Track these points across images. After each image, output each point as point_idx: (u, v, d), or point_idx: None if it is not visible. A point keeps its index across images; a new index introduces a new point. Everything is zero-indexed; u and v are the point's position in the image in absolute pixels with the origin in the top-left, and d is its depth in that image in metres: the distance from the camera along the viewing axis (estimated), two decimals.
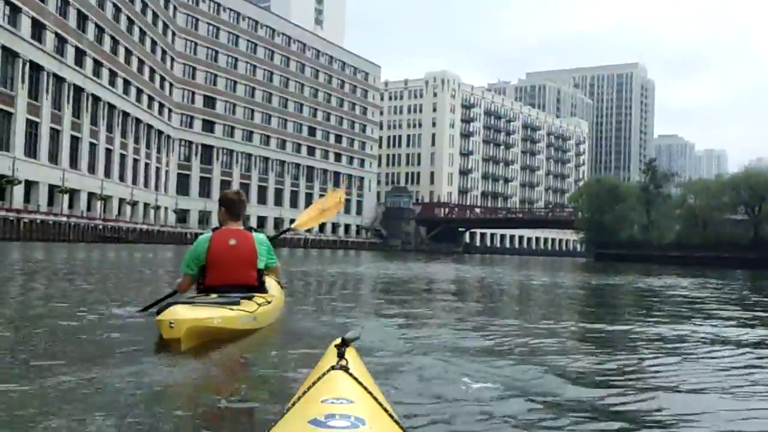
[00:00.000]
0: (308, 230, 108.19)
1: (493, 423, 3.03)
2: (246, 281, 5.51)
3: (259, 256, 5.61)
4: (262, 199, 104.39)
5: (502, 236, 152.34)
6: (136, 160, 79.56)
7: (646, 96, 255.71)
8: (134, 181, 78.65)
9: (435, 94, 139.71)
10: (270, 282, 5.98)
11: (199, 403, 3.30)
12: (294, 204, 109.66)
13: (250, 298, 5.26)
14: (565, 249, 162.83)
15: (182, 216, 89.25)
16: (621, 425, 3.20)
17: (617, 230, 78.38)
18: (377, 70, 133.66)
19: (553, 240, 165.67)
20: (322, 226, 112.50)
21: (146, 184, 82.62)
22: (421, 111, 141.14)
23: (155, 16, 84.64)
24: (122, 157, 75.82)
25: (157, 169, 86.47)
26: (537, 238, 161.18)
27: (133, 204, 76.52)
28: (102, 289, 10.03)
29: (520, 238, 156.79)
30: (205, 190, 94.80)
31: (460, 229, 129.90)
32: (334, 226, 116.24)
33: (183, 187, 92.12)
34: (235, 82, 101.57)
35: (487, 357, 4.67)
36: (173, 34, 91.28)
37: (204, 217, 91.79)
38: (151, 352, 4.35)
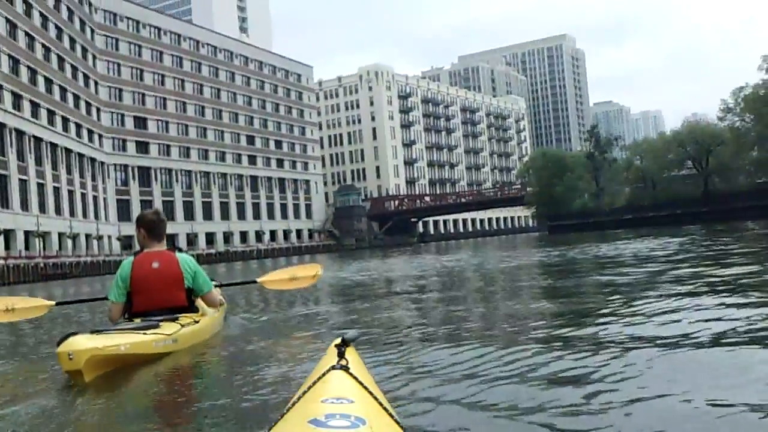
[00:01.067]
0: (259, 240, 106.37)
1: (493, 423, 2.97)
2: (173, 303, 5.47)
3: (185, 275, 5.53)
4: (207, 215, 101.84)
5: (455, 221, 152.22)
6: (71, 192, 76.54)
7: (577, 66, 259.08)
8: (72, 213, 75.72)
9: (370, 88, 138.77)
10: (214, 296, 5.91)
11: (199, 402, 3.35)
12: (242, 216, 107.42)
13: (174, 320, 5.22)
14: (518, 226, 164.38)
15: (127, 243, 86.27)
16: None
17: (568, 201, 78.41)
18: (309, 71, 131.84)
19: (504, 219, 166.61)
20: (273, 234, 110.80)
21: (85, 215, 79.65)
22: (358, 107, 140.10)
23: (72, 40, 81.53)
24: (56, 189, 72.85)
25: (95, 198, 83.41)
26: (489, 219, 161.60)
27: (74, 237, 73.64)
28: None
29: (473, 220, 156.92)
30: None
31: (412, 220, 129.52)
32: (286, 233, 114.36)
33: (124, 213, 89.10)
34: (165, 99, 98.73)
35: (487, 357, 4.40)
36: (93, 57, 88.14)
37: None
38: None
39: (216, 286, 6.65)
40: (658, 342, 4.32)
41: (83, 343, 4.25)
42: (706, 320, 5.04)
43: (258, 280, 7.47)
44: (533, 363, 4.08)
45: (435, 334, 5.80)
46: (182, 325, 5.19)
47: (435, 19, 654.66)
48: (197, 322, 5.50)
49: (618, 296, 7.57)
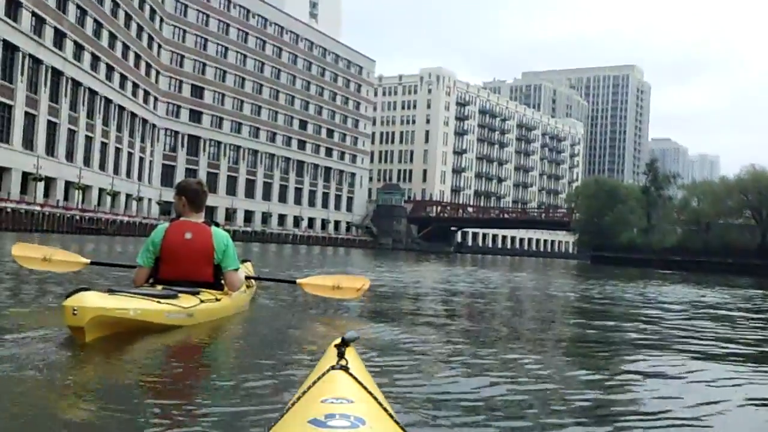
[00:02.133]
0: (296, 225, 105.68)
1: (493, 423, 3.01)
2: (199, 277, 5.38)
3: (216, 251, 5.41)
4: (249, 193, 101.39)
5: (495, 236, 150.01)
6: (118, 149, 76.49)
7: (641, 99, 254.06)
8: (116, 171, 75.62)
9: (429, 91, 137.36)
10: (235, 277, 5.65)
11: (199, 403, 3.32)
12: (283, 199, 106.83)
13: (195, 294, 5.07)
14: (558, 251, 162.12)
15: (166, 208, 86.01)
16: None
17: (615, 233, 75.63)
18: (372, 65, 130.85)
19: (545, 241, 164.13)
20: (311, 222, 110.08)
21: (129, 174, 79.58)
22: (415, 107, 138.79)
23: (142, 0, 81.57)
24: (103, 145, 72.77)
25: (141, 159, 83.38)
26: (529, 239, 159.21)
27: (114, 195, 73.51)
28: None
29: (513, 238, 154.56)
30: None
31: (452, 228, 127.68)
32: (324, 223, 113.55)
33: (168, 179, 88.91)
34: (225, 72, 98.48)
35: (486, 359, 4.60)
36: (161, 20, 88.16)
37: None
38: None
39: (248, 278, 6.58)
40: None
41: (92, 300, 4.10)
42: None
43: (298, 281, 7.08)
44: (531, 367, 4.29)
45: (436, 336, 5.89)
46: (202, 301, 5.05)
47: (500, 33, 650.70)
48: (218, 300, 5.35)
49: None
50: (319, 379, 1.79)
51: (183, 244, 5.31)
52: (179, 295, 4.88)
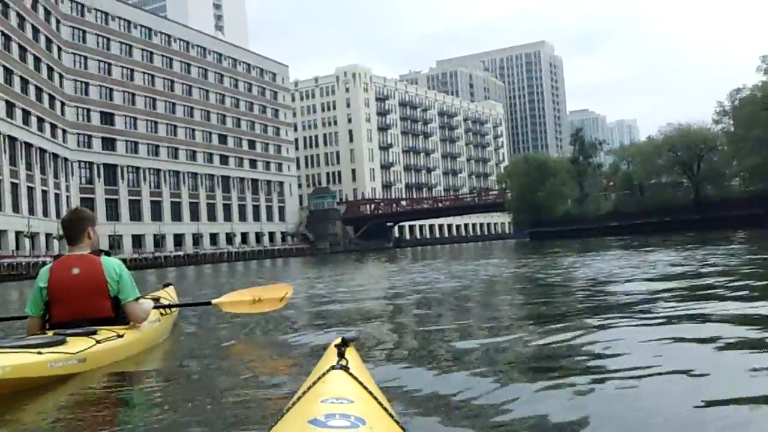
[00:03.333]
0: (229, 242, 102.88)
1: (493, 423, 2.98)
2: (96, 314, 4.97)
3: (109, 283, 5.00)
4: (176, 216, 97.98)
5: (431, 227, 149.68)
6: (30, 188, 72.54)
7: (555, 73, 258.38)
8: (31, 212, 71.77)
9: (347, 90, 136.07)
10: (137, 308, 5.19)
11: (199, 402, 3.28)
12: (212, 217, 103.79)
13: (90, 334, 4.65)
14: (494, 232, 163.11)
15: None
16: None
17: (550, 207, 75.56)
18: (285, 70, 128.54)
19: (481, 225, 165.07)
20: (245, 237, 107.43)
21: (45, 213, 75.67)
22: (335, 108, 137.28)
23: (35, 30, 77.58)
24: (14, 186, 68.89)
25: (57, 196, 79.34)
26: (465, 225, 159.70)
27: (33, 236, 69.79)
28: None
29: (449, 226, 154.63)
30: (112, 213, 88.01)
31: (388, 224, 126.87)
32: (258, 236, 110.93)
33: None
34: (134, 95, 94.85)
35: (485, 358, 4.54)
36: (59, 48, 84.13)
37: (115, 242, 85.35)
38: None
39: (156, 307, 6.02)
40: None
41: None
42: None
43: (213, 301, 6.63)
44: (533, 362, 4.24)
45: (434, 336, 5.87)
46: (98, 341, 4.62)
47: (411, 26, 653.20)
48: (121, 336, 4.90)
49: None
50: (319, 379, 1.78)
51: (71, 280, 4.91)
52: (68, 339, 4.41)
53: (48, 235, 74.29)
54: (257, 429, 2.82)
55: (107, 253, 5.20)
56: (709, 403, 3.04)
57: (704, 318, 5.65)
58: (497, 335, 5.58)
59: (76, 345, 4.43)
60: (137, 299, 5.20)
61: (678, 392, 3.31)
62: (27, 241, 68.56)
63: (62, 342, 4.37)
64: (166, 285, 8.10)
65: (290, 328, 5.93)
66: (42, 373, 4.10)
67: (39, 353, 4.13)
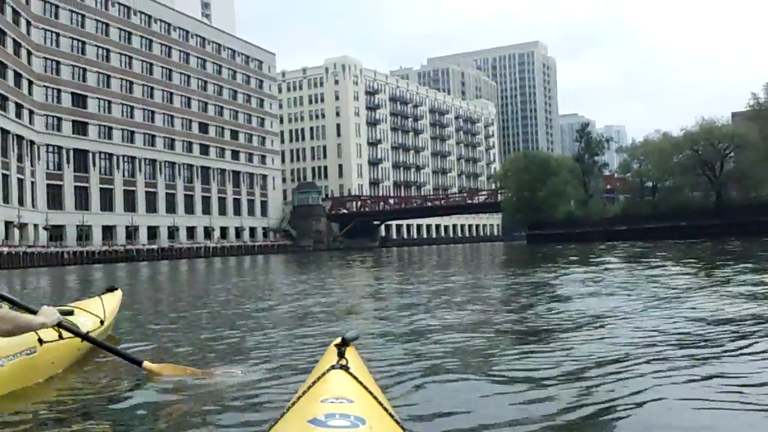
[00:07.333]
0: (207, 236, 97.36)
1: (492, 423, 2.95)
2: None
3: None
4: (151, 207, 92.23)
5: (419, 226, 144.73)
6: None
7: (548, 75, 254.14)
8: None
9: (336, 82, 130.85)
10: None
11: (199, 403, 3.25)
12: (189, 210, 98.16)
13: None
14: (483, 234, 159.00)
15: (56, 233, 76.74)
16: None
17: (551, 207, 70.36)
18: (271, 58, 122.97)
19: (470, 226, 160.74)
20: (224, 232, 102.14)
21: (6, 200, 69.82)
22: (323, 100, 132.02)
23: (2, 2, 71.83)
24: None
25: (20, 181, 73.47)
26: (454, 226, 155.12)
27: None
28: None
29: (437, 226, 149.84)
30: (82, 202, 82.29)
31: (374, 223, 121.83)
32: (238, 231, 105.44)
33: (55, 200, 79.39)
34: (109, 77, 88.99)
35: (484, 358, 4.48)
36: (27, 23, 78.29)
37: (83, 233, 79.77)
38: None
39: (62, 326, 4.70)
40: None
41: None
42: None
43: (145, 365, 4.81)
44: (532, 366, 4.15)
45: (432, 338, 5.75)
46: None
47: (399, 25, 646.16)
48: None
49: None
50: (319, 378, 1.78)
51: None
52: None
53: (8, 223, 68.64)
54: (257, 429, 2.77)
55: None
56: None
57: None
58: (497, 341, 5.47)
59: None
60: None
61: None
62: None
63: None
64: (111, 289, 6.95)
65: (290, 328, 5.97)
66: None
67: None
